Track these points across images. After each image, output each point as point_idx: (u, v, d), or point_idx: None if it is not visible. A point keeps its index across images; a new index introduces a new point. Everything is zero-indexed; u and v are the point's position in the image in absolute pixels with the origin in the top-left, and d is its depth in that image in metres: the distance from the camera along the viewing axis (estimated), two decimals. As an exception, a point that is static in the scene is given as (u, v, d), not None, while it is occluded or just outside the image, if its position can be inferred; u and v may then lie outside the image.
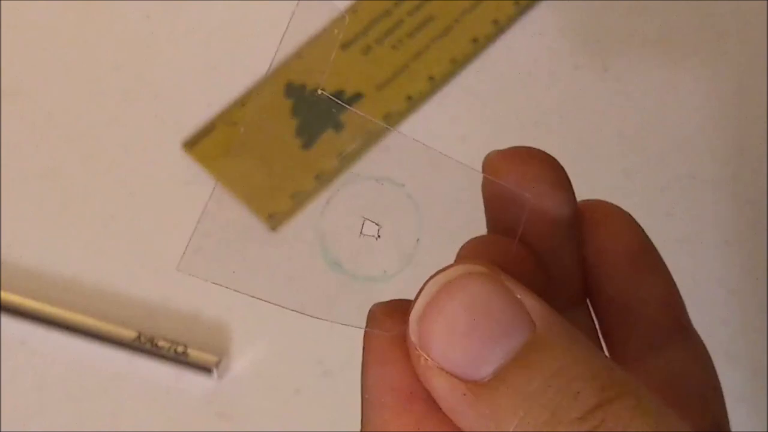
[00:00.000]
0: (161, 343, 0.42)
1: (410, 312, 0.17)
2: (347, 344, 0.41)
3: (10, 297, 0.44)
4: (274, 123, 0.47)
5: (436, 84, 0.46)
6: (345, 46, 0.47)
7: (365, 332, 0.19)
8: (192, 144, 0.46)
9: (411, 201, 0.21)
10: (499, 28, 0.47)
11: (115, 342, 0.42)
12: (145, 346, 0.42)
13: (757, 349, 0.39)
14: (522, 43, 0.46)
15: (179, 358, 0.42)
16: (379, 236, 0.21)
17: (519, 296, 0.17)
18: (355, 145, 0.45)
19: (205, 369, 0.41)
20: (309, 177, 0.45)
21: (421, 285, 0.17)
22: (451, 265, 0.17)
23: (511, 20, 0.47)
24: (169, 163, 0.46)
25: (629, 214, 0.20)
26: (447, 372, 0.16)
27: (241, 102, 0.47)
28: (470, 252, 0.18)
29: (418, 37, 0.47)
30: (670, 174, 0.43)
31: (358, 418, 0.42)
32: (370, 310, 0.19)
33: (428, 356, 0.17)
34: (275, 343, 0.42)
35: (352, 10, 0.48)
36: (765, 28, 0.45)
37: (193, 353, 0.42)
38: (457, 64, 0.46)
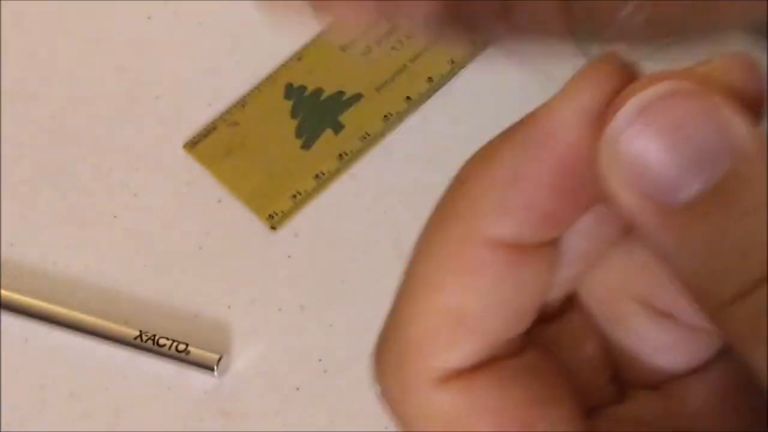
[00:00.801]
0: (162, 341, 0.42)
1: (615, 109, 0.16)
2: (348, 343, 0.42)
3: (12, 295, 0.44)
4: (274, 124, 0.47)
5: (435, 85, 0.46)
6: (345, 47, 0.48)
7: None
8: (193, 144, 0.46)
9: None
10: (498, 29, 0.47)
11: (117, 340, 0.42)
12: (146, 344, 0.42)
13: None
14: (522, 44, 0.47)
15: (180, 356, 0.42)
16: None
17: (728, 116, 0.16)
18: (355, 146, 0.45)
19: (206, 367, 0.42)
20: (309, 177, 0.45)
21: (621, 95, 0.16)
22: (655, 77, 0.16)
23: (510, 22, 0.47)
24: (170, 163, 0.46)
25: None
26: (640, 186, 0.16)
27: (242, 103, 0.47)
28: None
29: (417, 39, 0.47)
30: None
31: (357, 416, 0.42)
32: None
33: (619, 170, 0.16)
34: (276, 341, 0.43)
35: (351, 12, 0.48)
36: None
37: (195, 351, 0.42)
38: (456, 65, 0.46)
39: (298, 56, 0.48)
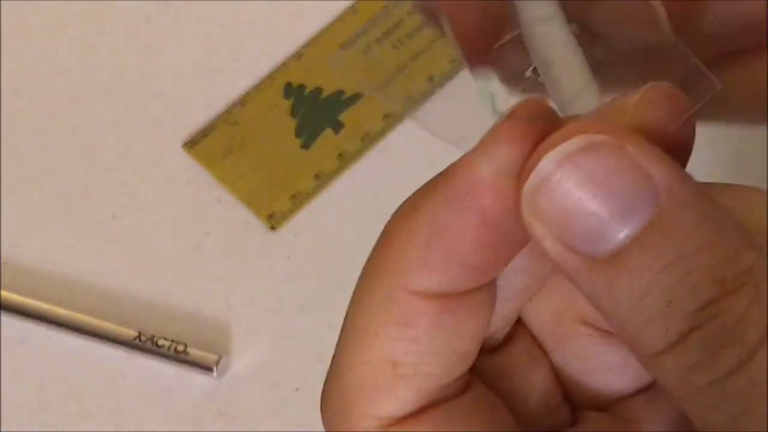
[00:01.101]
0: (161, 342, 0.42)
1: (522, 186, 0.16)
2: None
3: (11, 296, 0.44)
4: (274, 123, 0.47)
5: (435, 84, 0.46)
6: (345, 46, 0.47)
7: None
8: (192, 144, 0.46)
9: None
10: (498, 28, 0.47)
11: (116, 341, 0.42)
12: (145, 344, 0.42)
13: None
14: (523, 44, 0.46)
15: (179, 357, 0.42)
16: None
17: (646, 166, 0.16)
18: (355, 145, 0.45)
19: (205, 367, 0.42)
20: (308, 177, 0.45)
21: (540, 147, 0.16)
22: (569, 131, 0.16)
23: (510, 21, 0.47)
24: (169, 163, 0.46)
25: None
26: (564, 232, 0.16)
27: (241, 102, 0.47)
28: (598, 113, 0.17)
29: (418, 37, 0.47)
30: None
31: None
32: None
33: (541, 225, 0.16)
34: (275, 341, 0.42)
35: (352, 11, 0.48)
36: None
37: (193, 352, 0.42)
38: (457, 64, 0.46)
39: (298, 55, 0.47)
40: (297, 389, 0.41)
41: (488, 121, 0.18)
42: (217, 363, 0.42)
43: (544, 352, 0.21)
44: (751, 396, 0.15)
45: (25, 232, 0.45)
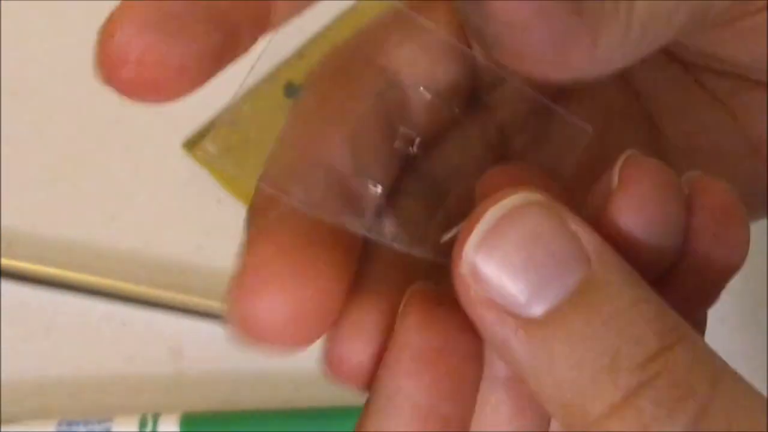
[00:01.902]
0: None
1: (464, 240, 0.16)
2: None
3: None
4: (274, 123, 0.47)
5: (435, 84, 0.46)
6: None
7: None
8: (192, 144, 0.46)
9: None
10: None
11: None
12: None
13: (755, 348, 0.40)
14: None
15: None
16: None
17: (575, 229, 0.16)
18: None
19: None
20: (309, 177, 0.45)
21: (475, 210, 0.16)
22: (507, 192, 0.16)
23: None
24: (169, 163, 0.46)
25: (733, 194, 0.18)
26: (498, 306, 0.16)
27: (242, 102, 0.47)
28: (524, 178, 0.17)
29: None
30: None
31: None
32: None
33: (477, 288, 0.16)
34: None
35: (353, 10, 0.48)
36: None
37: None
38: (457, 64, 0.46)
39: (299, 54, 0.47)
40: (297, 390, 0.41)
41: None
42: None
43: None
44: None
45: (25, 231, 0.45)
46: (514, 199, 0.16)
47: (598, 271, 0.15)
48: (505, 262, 0.15)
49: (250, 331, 0.17)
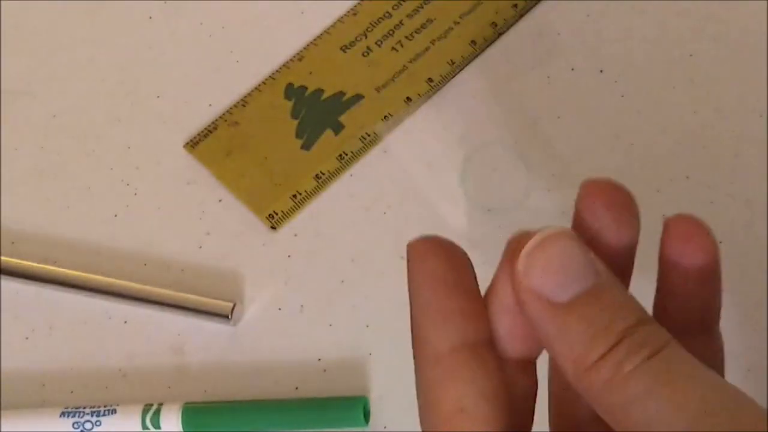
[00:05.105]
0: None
1: (521, 248, 0.25)
2: (348, 343, 0.42)
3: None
4: (275, 124, 0.47)
5: (434, 86, 0.46)
6: (345, 48, 0.48)
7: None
8: (193, 144, 0.46)
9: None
10: (498, 30, 0.47)
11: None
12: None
13: (755, 349, 0.40)
14: (520, 46, 0.47)
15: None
16: None
17: (591, 256, 0.24)
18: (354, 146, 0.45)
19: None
20: (309, 177, 0.45)
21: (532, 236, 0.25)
22: (550, 226, 0.25)
23: (509, 23, 0.47)
24: (170, 163, 0.46)
25: (710, 234, 0.27)
26: (537, 293, 0.24)
27: (242, 103, 0.47)
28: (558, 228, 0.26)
29: (417, 39, 0.47)
30: (665, 176, 0.43)
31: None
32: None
33: (526, 280, 0.24)
34: (276, 341, 0.43)
35: (353, 12, 0.48)
36: (764, 29, 0.46)
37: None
38: (456, 66, 0.46)
39: (299, 56, 0.48)
40: (297, 388, 0.42)
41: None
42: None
43: None
44: (661, 379, 0.23)
45: (25, 231, 0.45)
46: (555, 229, 0.24)
47: (603, 282, 0.24)
48: (546, 265, 0.24)
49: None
